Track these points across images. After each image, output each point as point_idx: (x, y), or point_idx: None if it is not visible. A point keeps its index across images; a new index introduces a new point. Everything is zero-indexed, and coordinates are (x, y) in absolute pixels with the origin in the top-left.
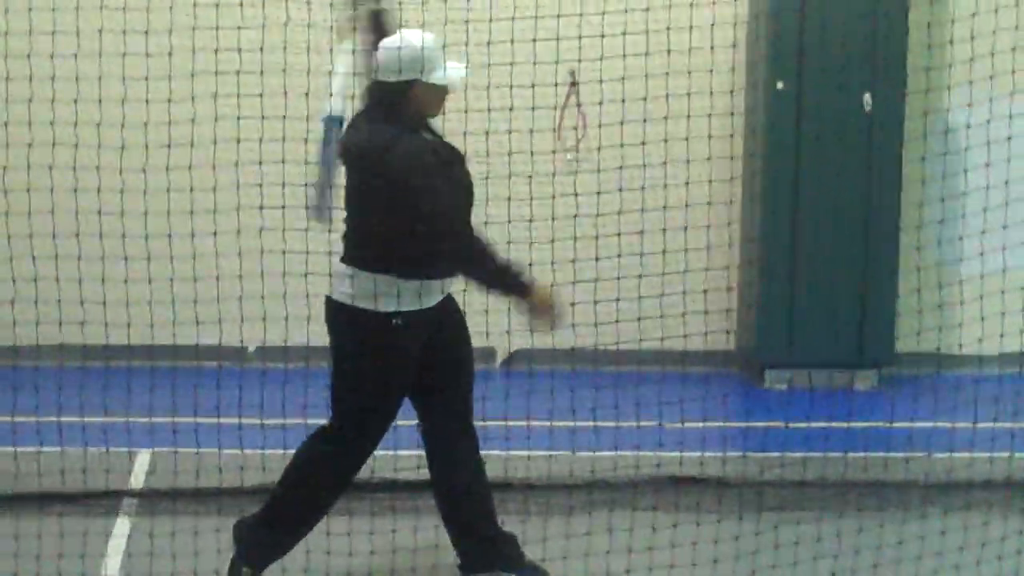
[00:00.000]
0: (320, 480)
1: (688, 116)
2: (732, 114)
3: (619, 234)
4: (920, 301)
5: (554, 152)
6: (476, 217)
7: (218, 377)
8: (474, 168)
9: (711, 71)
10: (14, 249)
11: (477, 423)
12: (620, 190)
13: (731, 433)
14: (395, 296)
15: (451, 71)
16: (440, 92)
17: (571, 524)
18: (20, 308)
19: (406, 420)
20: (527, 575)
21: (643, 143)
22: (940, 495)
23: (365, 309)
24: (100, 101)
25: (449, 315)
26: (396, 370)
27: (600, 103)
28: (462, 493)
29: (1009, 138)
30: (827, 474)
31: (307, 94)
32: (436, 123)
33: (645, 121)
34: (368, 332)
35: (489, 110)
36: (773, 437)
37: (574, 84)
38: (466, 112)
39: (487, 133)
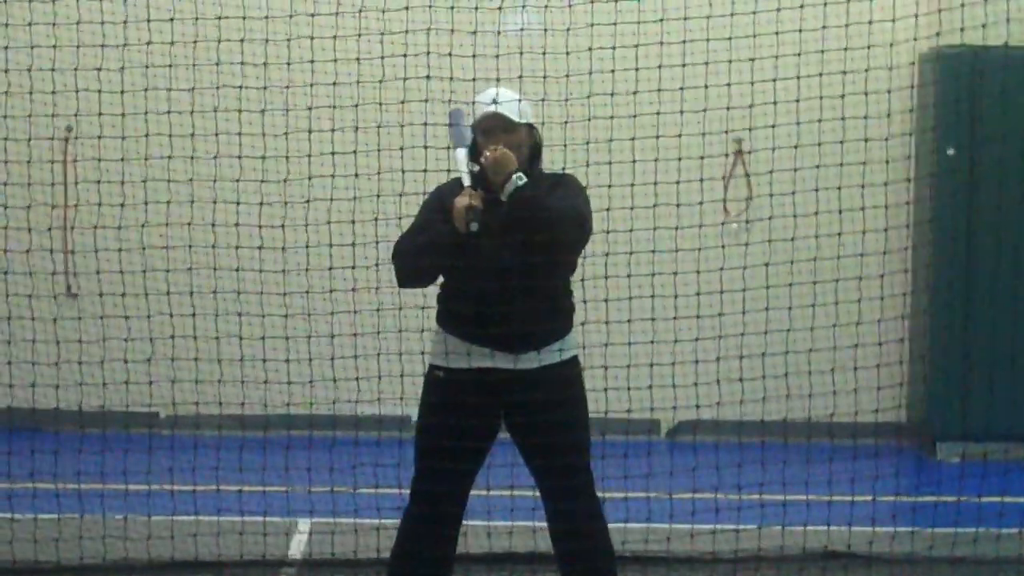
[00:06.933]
0: (397, 538)
1: (864, 184)
2: (907, 180)
3: (790, 308)
4: None
5: (723, 224)
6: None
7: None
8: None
9: (865, 140)
10: (177, 328)
11: (641, 495)
12: (792, 262)
13: (902, 508)
14: (442, 352)
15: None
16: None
17: None
18: (178, 382)
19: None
20: None
21: (815, 213)
22: None
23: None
24: None
25: (537, 386)
26: (432, 422)
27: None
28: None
29: None
30: (1001, 551)
31: None
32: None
33: (830, 189)
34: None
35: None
36: (944, 512)
37: (739, 153)
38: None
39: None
